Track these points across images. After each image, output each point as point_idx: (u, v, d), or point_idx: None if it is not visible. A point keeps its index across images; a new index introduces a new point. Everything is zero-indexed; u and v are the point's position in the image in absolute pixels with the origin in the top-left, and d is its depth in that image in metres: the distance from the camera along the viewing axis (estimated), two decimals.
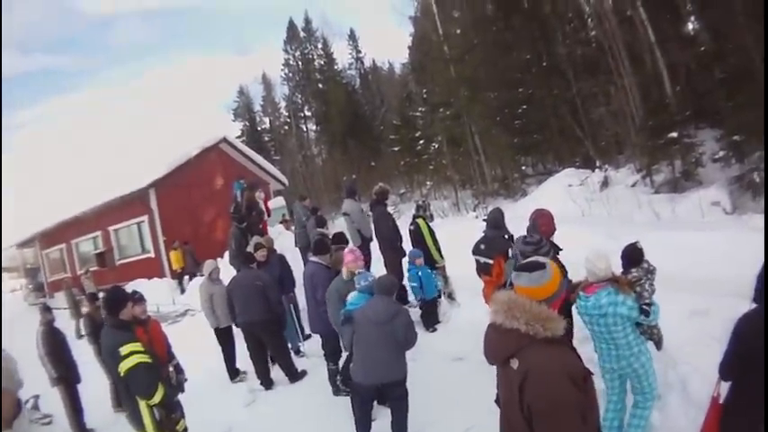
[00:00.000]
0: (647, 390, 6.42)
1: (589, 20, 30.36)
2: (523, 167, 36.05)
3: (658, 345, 7.73)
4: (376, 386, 7.84)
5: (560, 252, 7.36)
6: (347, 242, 12.31)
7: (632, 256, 7.44)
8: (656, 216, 18.48)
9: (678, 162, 21.16)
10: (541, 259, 3.88)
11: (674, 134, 20.93)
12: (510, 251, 8.40)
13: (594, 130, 29.28)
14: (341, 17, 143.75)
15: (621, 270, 7.26)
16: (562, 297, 3.86)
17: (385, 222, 13.77)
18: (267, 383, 11.61)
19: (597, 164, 26.57)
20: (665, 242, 13.37)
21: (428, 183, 44.09)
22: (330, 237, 12.87)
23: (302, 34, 74.72)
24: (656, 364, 6.72)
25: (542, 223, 7.49)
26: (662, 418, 6.92)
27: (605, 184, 23.33)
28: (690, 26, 26.46)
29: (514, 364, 3.50)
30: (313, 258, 10.73)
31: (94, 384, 11.45)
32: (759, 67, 17.25)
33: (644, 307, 6.37)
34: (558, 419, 3.31)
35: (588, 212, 20.89)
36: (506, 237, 9.21)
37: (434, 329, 12.37)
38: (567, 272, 6.82)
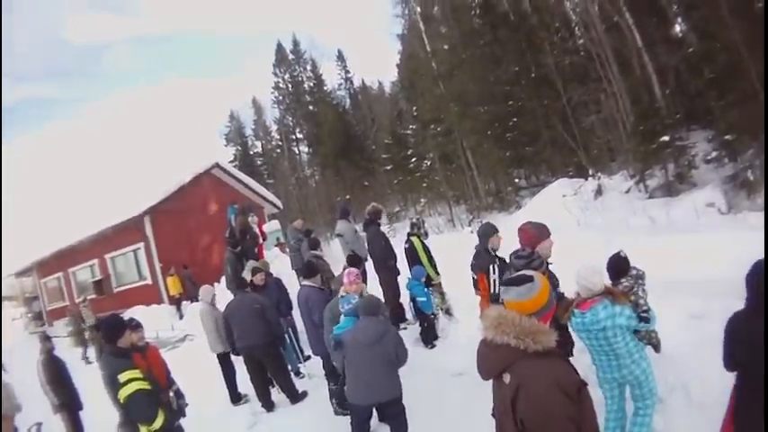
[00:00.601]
0: (648, 396, 6.36)
1: (576, 28, 30.53)
2: (517, 180, 35.90)
3: (657, 348, 7.67)
4: (372, 405, 7.90)
5: (550, 264, 7.25)
6: (361, 263, 12.93)
7: (618, 266, 7.40)
8: (651, 221, 18.33)
9: (671, 165, 21.12)
10: (529, 272, 3.88)
11: (666, 138, 20.89)
12: (492, 266, 8.31)
13: (586, 138, 29.14)
14: (328, 38, 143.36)
15: (610, 282, 7.15)
16: (552, 309, 3.84)
17: (378, 242, 13.80)
18: (268, 405, 11.50)
19: (590, 172, 26.46)
20: (662, 246, 13.55)
21: (422, 200, 43.58)
22: (324, 258, 13.82)
23: (291, 57, 75.06)
24: (656, 367, 6.66)
25: (522, 238, 7.40)
26: (664, 421, 6.89)
27: (599, 192, 23.00)
28: (677, 28, 26.71)
29: (506, 378, 3.52)
30: (305, 282, 10.79)
31: (99, 410, 10.74)
32: (748, 65, 17.39)
33: (642, 315, 6.45)
34: None
35: (583, 221, 20.57)
36: (489, 251, 8.91)
37: (433, 346, 12.32)
38: (558, 283, 7.00)
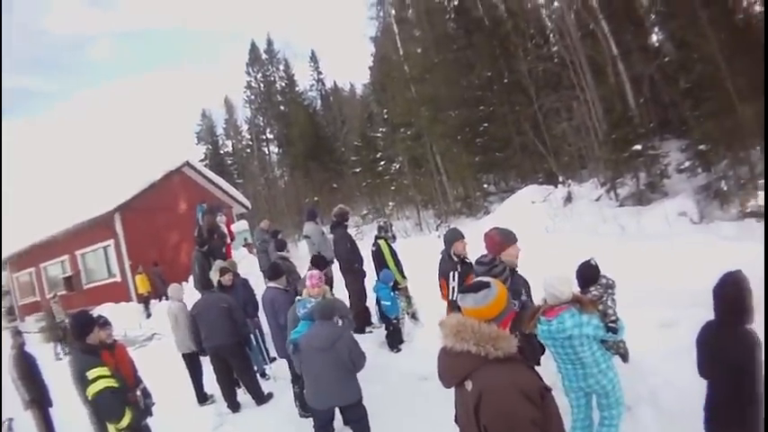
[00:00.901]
0: (614, 406, 6.39)
1: (551, 35, 30.50)
2: (485, 185, 35.64)
3: (624, 358, 7.58)
4: (331, 409, 7.94)
5: (516, 270, 7.10)
6: (326, 265, 12.68)
7: (587, 274, 7.24)
8: (621, 229, 18.25)
9: (643, 174, 21.04)
10: (485, 279, 3.89)
11: (639, 146, 20.81)
12: (453, 273, 8.38)
13: (557, 145, 28.87)
14: (302, 39, 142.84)
15: (579, 290, 7.02)
16: (511, 315, 3.83)
17: (344, 244, 13.85)
18: (234, 406, 11.43)
19: (560, 179, 26.14)
20: (632, 254, 13.77)
21: (390, 203, 43.57)
22: (290, 260, 13.95)
23: (264, 56, 74.77)
24: (625, 376, 6.76)
25: (488, 244, 7.22)
26: (632, 430, 6.92)
27: (569, 199, 22.70)
28: (654, 37, 26.64)
29: (468, 385, 3.49)
30: (270, 284, 10.86)
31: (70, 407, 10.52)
32: (725, 76, 17.40)
33: (610, 324, 6.37)
34: None
35: (552, 228, 20.37)
36: (453, 257, 8.92)
37: (399, 350, 12.46)
38: (529, 288, 7.03)
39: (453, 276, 8.27)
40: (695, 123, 20.26)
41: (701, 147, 19.19)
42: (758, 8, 19.45)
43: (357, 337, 9.72)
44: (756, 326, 5.09)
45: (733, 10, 19.62)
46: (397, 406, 9.22)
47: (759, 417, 4.84)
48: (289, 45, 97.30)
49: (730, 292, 4.92)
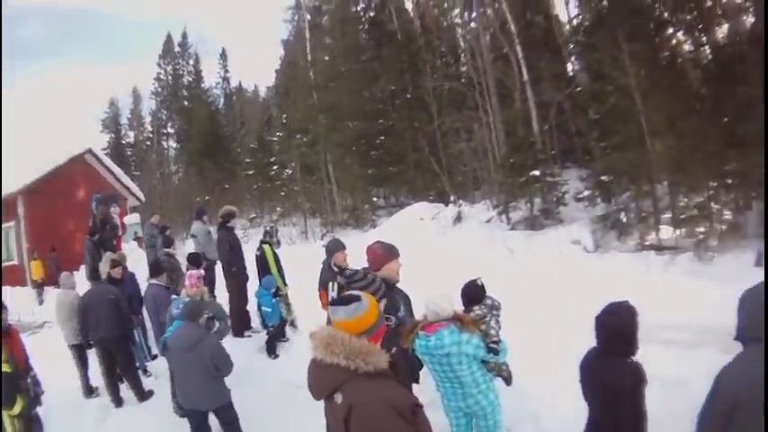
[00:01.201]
0: (493, 428, 6.12)
1: (463, 55, 30.42)
2: (375, 199, 34.86)
3: (508, 381, 6.88)
4: (198, 411, 7.72)
5: (396, 284, 6.57)
6: (201, 264, 12.61)
7: (472, 293, 6.71)
8: (510, 252, 18.15)
9: (538, 200, 20.83)
10: (356, 292, 3.75)
11: (537, 172, 20.50)
12: (331, 283, 7.92)
13: (452, 165, 28.19)
14: (217, 35, 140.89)
15: (463, 308, 6.58)
16: (383, 329, 3.69)
17: (224, 246, 13.45)
18: (117, 401, 10.79)
19: (452, 199, 25.18)
20: (520, 278, 13.98)
21: (278, 209, 42.13)
22: (176, 257, 13.69)
23: (177, 49, 72.19)
24: (508, 399, 6.60)
25: (369, 257, 6.72)
26: None
27: (458, 219, 22.21)
28: (570, 66, 26.64)
29: (338, 398, 3.30)
30: (152, 281, 10.82)
31: None
32: (639, 109, 17.21)
33: (492, 345, 6.07)
34: None
35: (440, 247, 19.76)
36: (332, 267, 8.88)
37: (277, 356, 12.05)
38: (410, 304, 6.55)
39: (332, 286, 7.80)
40: (600, 154, 20.07)
41: (603, 177, 18.99)
42: (687, 47, 19.51)
43: (235, 340, 10.88)
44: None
45: (658, 47, 19.05)
46: (272, 412, 8.90)
47: None
48: (203, 40, 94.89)
49: (613, 322, 4.78)
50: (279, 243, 13.81)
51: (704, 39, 18.82)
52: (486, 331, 6.20)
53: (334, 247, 9.03)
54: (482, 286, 6.71)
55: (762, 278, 3.89)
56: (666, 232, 17.14)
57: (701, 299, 11.15)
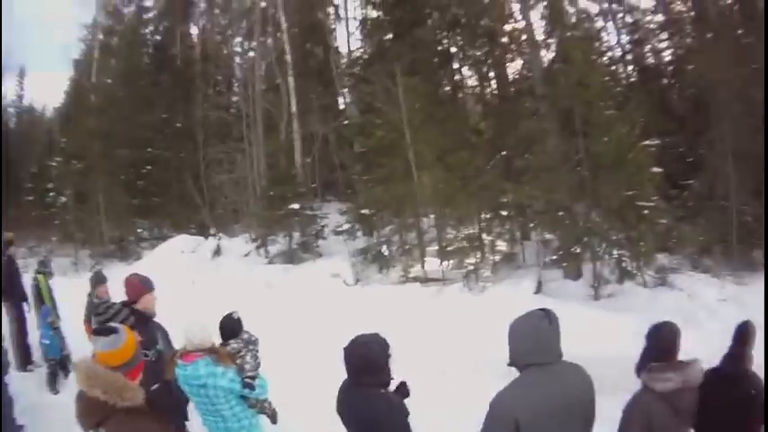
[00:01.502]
0: None
1: (236, 85, 29.78)
2: (140, 230, 32.42)
3: (273, 419, 6.64)
4: None
5: (153, 317, 6.37)
6: None
7: (228, 327, 6.19)
8: (268, 286, 17.49)
9: (297, 233, 20.31)
10: (115, 324, 3.67)
11: (296, 205, 19.87)
12: (93, 317, 7.09)
13: (214, 197, 27.28)
14: (20, 50, 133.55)
15: (220, 342, 6.10)
16: (141, 364, 3.57)
17: (4, 274, 12.01)
18: None
19: (211, 232, 24.54)
20: (278, 311, 13.65)
21: (53, 238, 37.48)
22: None
23: None
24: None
25: (128, 289, 6.35)
26: None
27: (217, 252, 21.77)
28: (342, 99, 26.52)
29: None
30: None
31: None
32: (406, 143, 16.89)
33: (247, 380, 5.70)
34: None
35: (199, 280, 18.89)
36: (94, 300, 8.64)
37: (57, 392, 10.53)
38: (167, 336, 6.47)
39: (94, 320, 6.87)
40: (363, 187, 19.62)
41: (365, 211, 18.69)
42: (471, 82, 20.34)
43: (22, 375, 10.24)
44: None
45: (438, 83, 19.60)
46: None
47: None
48: (9, 55, 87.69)
49: (360, 353, 4.33)
50: (52, 274, 12.33)
51: (491, 74, 19.48)
52: (242, 365, 5.92)
53: (96, 281, 8.98)
54: (238, 320, 6.30)
55: None
56: (433, 264, 16.85)
57: (472, 328, 11.08)
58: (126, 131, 29.59)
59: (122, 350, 3.35)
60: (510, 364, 3.82)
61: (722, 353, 5.16)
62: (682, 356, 4.45)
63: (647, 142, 14.75)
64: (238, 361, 5.97)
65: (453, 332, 11.49)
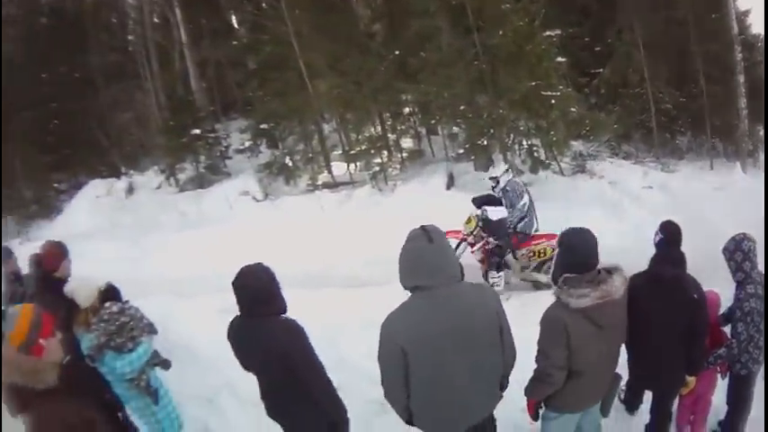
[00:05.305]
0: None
1: (129, 25, 28.15)
2: (56, 184, 29.89)
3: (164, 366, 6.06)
4: None
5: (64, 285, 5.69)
6: None
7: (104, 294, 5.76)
8: (182, 215, 16.92)
9: (203, 157, 19.31)
10: (10, 308, 3.44)
11: (198, 130, 19.09)
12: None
13: (120, 137, 26.28)
14: None
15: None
16: (38, 346, 3.19)
17: None
18: None
19: (123, 170, 23.70)
20: (192, 241, 13.29)
21: None
22: None
23: None
24: (203, 368, 6.80)
25: (44, 261, 6.05)
26: (217, 421, 6.42)
27: (130, 190, 20.85)
28: (231, 22, 25.29)
29: (25, 419, 3.03)
30: None
31: None
32: (297, 55, 16.33)
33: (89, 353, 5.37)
34: None
35: (116, 222, 18.24)
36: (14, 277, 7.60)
37: None
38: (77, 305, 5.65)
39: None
40: (260, 103, 18.54)
41: (263, 126, 18.01)
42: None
43: None
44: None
45: None
46: None
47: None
48: None
49: (249, 283, 4.18)
50: None
51: None
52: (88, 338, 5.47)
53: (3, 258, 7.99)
54: (106, 290, 5.77)
55: None
56: (340, 169, 16.89)
57: (385, 230, 10.13)
58: (29, 93, 27.18)
59: (15, 332, 3.11)
60: (405, 288, 3.63)
61: (651, 243, 5.04)
62: (605, 255, 4.04)
63: (547, 33, 14.31)
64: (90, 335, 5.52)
65: (367, 235, 11.22)
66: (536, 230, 9.04)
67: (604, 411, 4.48)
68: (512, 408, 4.40)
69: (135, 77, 24.65)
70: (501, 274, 8.95)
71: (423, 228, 3.40)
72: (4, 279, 7.72)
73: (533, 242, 8.80)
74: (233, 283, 4.28)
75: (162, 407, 5.56)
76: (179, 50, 22.61)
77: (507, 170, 9.09)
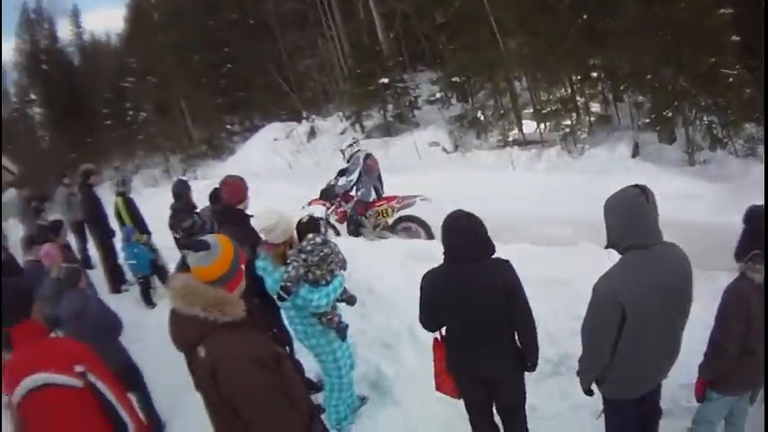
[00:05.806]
0: (337, 389, 5.48)
1: None
2: (229, 126, 32.10)
3: (341, 333, 5.57)
4: None
5: (250, 219, 5.69)
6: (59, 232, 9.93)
7: (302, 228, 5.30)
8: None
9: (390, 106, 19.66)
10: (210, 237, 3.09)
11: (386, 80, 19.08)
12: (184, 224, 7.54)
13: (301, 82, 26.65)
14: None
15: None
16: (239, 276, 3.04)
17: (86, 205, 11.73)
18: None
19: (304, 115, 23.73)
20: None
21: (140, 152, 39.53)
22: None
23: (33, 16, 65.11)
24: (383, 315, 6.47)
25: (225, 192, 5.80)
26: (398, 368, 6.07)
27: (312, 134, 21.25)
28: None
29: (201, 351, 2.83)
30: (26, 257, 9.01)
31: None
32: (486, 10, 16.25)
33: (283, 286, 5.00)
34: (260, 405, 2.82)
35: (295, 164, 19.19)
36: (190, 209, 7.87)
37: (154, 305, 10.31)
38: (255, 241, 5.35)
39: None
40: (450, 56, 18.26)
41: (455, 79, 18.04)
42: None
43: (114, 297, 9.84)
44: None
45: None
46: (161, 365, 6.42)
47: None
48: (53, 2, 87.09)
49: (467, 225, 4.09)
50: (127, 193, 11.53)
51: None
52: (286, 269, 5.09)
53: (179, 191, 8.09)
54: (307, 223, 5.43)
55: None
56: (530, 127, 16.41)
57: (573, 192, 10.66)
58: (196, 38, 29.24)
59: (215, 265, 2.93)
60: (608, 246, 3.60)
61: None
62: None
63: (722, 11, 13.59)
64: (288, 267, 5.21)
65: (555, 196, 11.06)
66: (374, 199, 9.32)
67: (752, 399, 4.34)
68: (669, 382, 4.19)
69: (317, 26, 24.65)
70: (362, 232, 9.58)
71: (638, 186, 3.34)
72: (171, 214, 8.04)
73: (376, 205, 9.19)
74: (449, 226, 4.08)
75: (344, 345, 5.47)
76: (363, 1, 22.38)
77: (351, 144, 9.73)
